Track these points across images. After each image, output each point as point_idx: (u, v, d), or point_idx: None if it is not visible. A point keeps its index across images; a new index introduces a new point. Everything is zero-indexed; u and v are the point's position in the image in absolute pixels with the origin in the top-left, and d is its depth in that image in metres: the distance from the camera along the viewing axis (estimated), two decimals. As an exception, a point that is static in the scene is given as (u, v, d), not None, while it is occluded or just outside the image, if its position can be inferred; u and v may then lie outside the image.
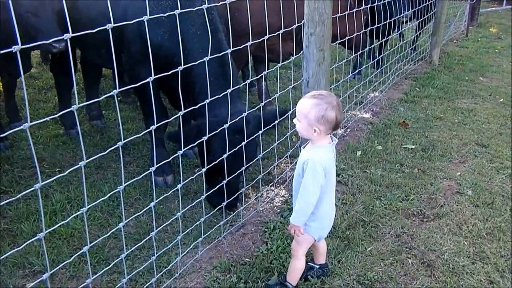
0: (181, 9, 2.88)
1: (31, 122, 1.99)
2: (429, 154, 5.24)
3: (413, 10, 7.70)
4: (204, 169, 3.39)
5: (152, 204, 2.88)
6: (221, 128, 3.39)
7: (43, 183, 2.08)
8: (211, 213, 3.72)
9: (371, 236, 3.82)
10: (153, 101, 2.97)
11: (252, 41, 3.46)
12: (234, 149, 3.55)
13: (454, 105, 6.88)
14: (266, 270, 3.38)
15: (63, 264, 2.51)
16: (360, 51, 6.18)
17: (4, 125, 5.30)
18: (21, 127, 1.97)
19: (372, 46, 7.44)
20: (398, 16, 7.11)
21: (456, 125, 6.15)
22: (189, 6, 3.22)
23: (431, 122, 6.22)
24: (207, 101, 3.25)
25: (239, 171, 3.76)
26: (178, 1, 2.94)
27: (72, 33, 2.14)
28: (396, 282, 3.34)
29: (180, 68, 2.93)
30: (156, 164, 3.12)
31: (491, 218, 4.07)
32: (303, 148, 2.95)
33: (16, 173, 4.53)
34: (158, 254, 3.16)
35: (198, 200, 3.42)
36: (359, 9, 5.45)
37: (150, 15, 2.63)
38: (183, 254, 3.41)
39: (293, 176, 4.44)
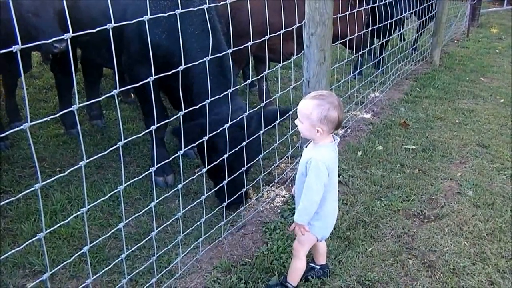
0: (179, 9, 2.88)
1: (31, 121, 1.98)
2: (429, 155, 5.24)
3: (412, 11, 7.70)
4: (205, 169, 3.39)
5: (152, 204, 2.88)
6: (225, 126, 3.39)
7: (43, 183, 2.08)
8: (212, 213, 3.71)
9: (372, 237, 3.81)
10: (153, 101, 2.97)
11: (253, 40, 3.46)
12: (240, 144, 3.58)
13: (454, 106, 6.88)
14: (266, 271, 3.38)
15: (63, 264, 2.51)
16: (361, 52, 6.17)
17: (4, 125, 5.29)
18: (21, 127, 1.96)
19: (373, 46, 7.44)
20: (398, 17, 7.09)
21: (456, 125, 6.15)
22: (188, 6, 3.21)
23: (432, 122, 6.21)
24: (208, 101, 3.24)
25: (249, 165, 3.80)
26: (177, 1, 2.93)
27: (73, 33, 2.13)
28: (397, 283, 3.33)
29: (180, 68, 2.92)
30: (157, 164, 3.12)
31: (492, 219, 4.07)
32: (305, 147, 2.95)
33: (16, 172, 4.53)
34: (158, 254, 3.15)
35: (199, 200, 3.41)
36: (360, 9, 5.43)
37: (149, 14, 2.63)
38: (183, 254, 3.40)
39: (294, 176, 4.45)
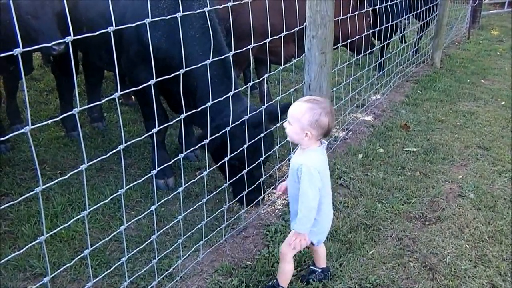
0: (179, 12, 2.87)
1: (32, 124, 1.98)
2: (431, 157, 5.23)
3: (411, 14, 7.69)
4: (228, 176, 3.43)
5: (153, 207, 2.88)
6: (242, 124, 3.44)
7: (44, 186, 2.08)
8: (213, 216, 3.71)
9: (373, 240, 3.81)
10: (154, 104, 2.96)
11: (253, 43, 3.45)
12: (256, 141, 3.62)
13: (455, 108, 6.87)
14: (267, 274, 3.37)
15: (64, 267, 2.51)
16: (363, 54, 6.17)
17: (5, 127, 5.29)
18: (22, 130, 1.96)
19: (374, 48, 7.43)
20: (397, 20, 7.07)
21: (458, 128, 6.15)
22: (187, 8, 3.21)
23: (433, 124, 6.21)
24: (209, 104, 3.24)
25: (266, 157, 3.85)
26: (177, 3, 2.93)
27: (73, 34, 2.13)
28: (398, 286, 3.33)
29: (181, 71, 2.92)
30: (158, 167, 3.11)
31: (493, 222, 4.06)
32: (293, 154, 2.94)
33: (17, 175, 4.53)
34: (159, 257, 3.15)
35: (200, 203, 3.41)
36: (362, 11, 5.43)
37: (148, 17, 2.63)
38: (184, 257, 3.40)
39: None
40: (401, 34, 8.61)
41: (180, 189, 3.10)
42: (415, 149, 5.41)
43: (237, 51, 3.42)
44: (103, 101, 2.70)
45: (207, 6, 3.19)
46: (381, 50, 7.99)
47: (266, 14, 3.95)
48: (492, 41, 12.05)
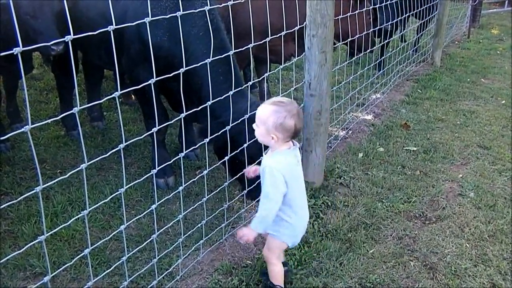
0: (181, 10, 2.87)
1: (32, 123, 1.98)
2: (431, 156, 5.23)
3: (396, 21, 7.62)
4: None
5: (153, 206, 2.88)
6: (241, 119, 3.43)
7: (44, 185, 2.08)
8: (213, 215, 3.71)
9: (373, 239, 3.81)
10: (154, 103, 2.96)
11: (253, 41, 3.44)
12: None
13: (456, 107, 6.87)
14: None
15: (64, 267, 2.51)
16: (364, 52, 6.15)
17: (5, 126, 5.29)
18: (22, 129, 1.96)
19: (374, 47, 7.43)
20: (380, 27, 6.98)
21: (458, 127, 6.15)
22: (189, 7, 3.20)
23: (433, 124, 6.21)
24: (209, 103, 3.23)
25: None
26: (179, 2, 2.92)
27: (72, 34, 2.13)
28: (398, 285, 3.33)
29: (181, 70, 2.92)
30: (158, 166, 3.11)
31: (493, 221, 4.06)
32: (265, 154, 2.93)
33: (17, 174, 4.53)
34: (159, 257, 3.15)
35: (200, 202, 3.41)
36: (362, 10, 5.43)
37: (150, 17, 2.62)
38: (184, 256, 3.40)
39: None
40: (401, 33, 8.61)
41: (180, 188, 3.10)
42: (415, 148, 5.41)
43: (237, 50, 3.42)
44: (103, 100, 2.70)
45: (210, 4, 3.18)
46: (381, 49, 7.99)
47: (264, 12, 3.94)
48: (492, 40, 12.05)
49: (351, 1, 5.26)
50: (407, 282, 3.36)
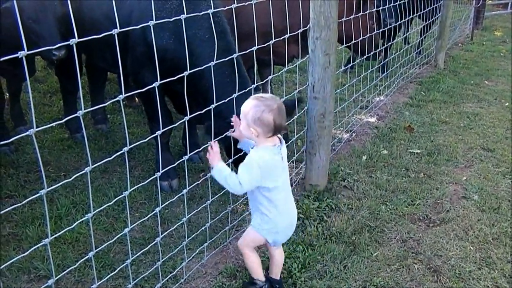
0: (187, 12, 2.87)
1: (36, 126, 1.98)
2: (434, 159, 5.23)
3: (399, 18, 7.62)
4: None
5: (157, 209, 2.88)
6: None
7: (49, 188, 2.08)
8: (217, 217, 3.71)
9: (377, 241, 3.80)
10: (158, 105, 2.96)
11: (253, 42, 3.43)
12: None
13: (459, 109, 6.87)
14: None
15: (68, 269, 2.50)
16: (367, 55, 6.13)
17: (9, 129, 5.30)
18: (28, 132, 1.97)
19: (378, 50, 7.43)
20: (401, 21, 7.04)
21: (461, 129, 6.14)
22: (195, 9, 3.19)
23: (437, 126, 6.20)
24: (212, 106, 3.23)
25: None
26: (185, 4, 2.92)
27: (75, 37, 2.13)
28: (403, 288, 3.33)
29: (186, 73, 2.92)
30: (162, 169, 3.11)
31: (497, 223, 4.05)
32: (251, 148, 2.94)
33: (21, 177, 4.53)
34: (163, 260, 3.15)
35: (204, 205, 3.41)
36: (365, 12, 5.41)
37: (155, 18, 2.62)
38: (188, 259, 3.40)
39: (298, 181, 4.45)
40: (405, 35, 8.60)
41: (185, 191, 3.10)
42: (419, 151, 5.40)
43: (241, 53, 3.42)
44: (107, 103, 2.71)
45: (216, 7, 3.17)
46: (384, 52, 7.97)
47: (265, 14, 3.93)
48: (496, 42, 12.04)
49: (354, 3, 5.24)
50: (411, 285, 3.36)
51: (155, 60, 2.76)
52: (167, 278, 3.24)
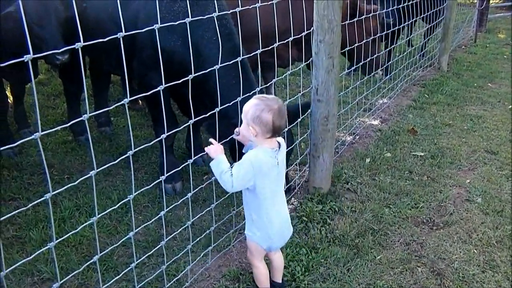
0: (194, 14, 2.86)
1: (40, 129, 1.99)
2: (438, 161, 5.22)
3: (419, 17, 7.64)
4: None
5: (162, 213, 2.89)
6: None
7: (54, 192, 2.09)
8: (221, 221, 3.71)
9: (381, 244, 3.80)
10: (163, 108, 2.95)
11: (255, 45, 3.43)
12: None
13: (463, 112, 6.86)
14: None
15: (73, 274, 2.50)
16: (374, 72, 6.09)
17: (13, 132, 5.31)
18: (33, 136, 1.98)
19: (381, 52, 7.43)
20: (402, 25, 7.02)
21: (465, 132, 6.13)
22: (202, 11, 3.19)
23: (440, 129, 6.20)
24: (217, 109, 3.23)
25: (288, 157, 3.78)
26: (192, 6, 2.92)
27: (79, 40, 2.14)
28: (406, 291, 3.32)
29: (190, 76, 2.92)
30: (166, 172, 3.11)
31: (501, 226, 4.05)
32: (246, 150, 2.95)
33: (24, 179, 4.54)
34: (168, 263, 3.15)
35: (208, 208, 3.41)
36: (360, 18, 5.34)
37: (162, 21, 2.62)
38: (192, 262, 3.40)
39: (302, 184, 4.45)
40: (408, 38, 8.60)
41: (189, 194, 3.11)
42: (422, 154, 5.40)
43: (246, 56, 3.42)
44: (112, 107, 2.71)
45: (222, 9, 3.17)
46: (387, 54, 7.97)
47: (267, 16, 3.93)
48: (499, 45, 12.01)
49: (349, 9, 5.18)
50: (415, 289, 3.36)
51: (163, 62, 2.76)
52: (172, 281, 3.24)
